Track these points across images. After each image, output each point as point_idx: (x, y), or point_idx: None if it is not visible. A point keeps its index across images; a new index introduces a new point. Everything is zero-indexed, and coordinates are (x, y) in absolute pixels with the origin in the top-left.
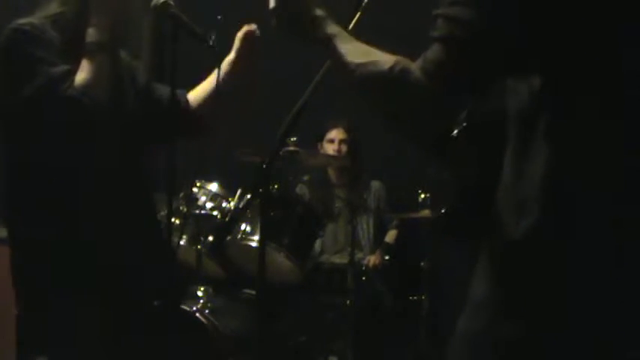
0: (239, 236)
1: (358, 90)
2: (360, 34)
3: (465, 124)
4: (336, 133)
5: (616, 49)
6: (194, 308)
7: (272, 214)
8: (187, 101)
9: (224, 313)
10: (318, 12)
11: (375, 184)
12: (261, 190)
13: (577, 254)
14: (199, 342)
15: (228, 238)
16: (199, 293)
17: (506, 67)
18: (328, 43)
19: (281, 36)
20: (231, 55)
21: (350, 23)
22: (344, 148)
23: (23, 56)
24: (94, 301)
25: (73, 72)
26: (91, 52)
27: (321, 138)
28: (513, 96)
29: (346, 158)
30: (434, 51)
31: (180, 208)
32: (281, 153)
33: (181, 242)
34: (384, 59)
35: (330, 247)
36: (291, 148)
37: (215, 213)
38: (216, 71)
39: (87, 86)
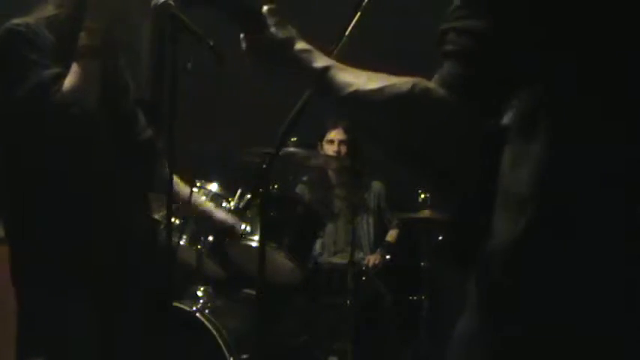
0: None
1: (376, 117)
2: (361, 34)
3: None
4: (335, 134)
5: (620, 50)
6: (194, 308)
7: (272, 214)
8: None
9: (224, 313)
10: (301, 45)
11: (376, 184)
12: (261, 190)
13: (577, 254)
14: (199, 342)
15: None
16: (199, 293)
17: (519, 72)
18: (321, 77)
19: (263, 73)
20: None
21: (350, 24)
22: (343, 148)
23: (16, 58)
24: (91, 300)
25: (64, 75)
26: (82, 56)
27: (321, 138)
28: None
29: (346, 159)
30: (451, 66)
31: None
32: (281, 153)
33: (181, 242)
34: (400, 81)
35: (330, 247)
36: (291, 148)
37: None
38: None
39: (74, 90)
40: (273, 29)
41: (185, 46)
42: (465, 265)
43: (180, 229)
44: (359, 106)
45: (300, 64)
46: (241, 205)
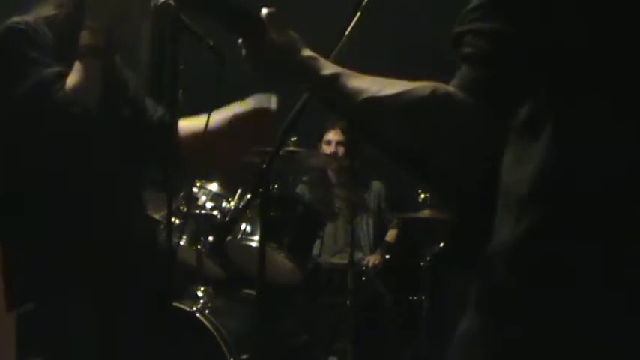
0: (239, 236)
1: (395, 122)
2: (361, 34)
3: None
4: (332, 135)
5: (627, 49)
6: (194, 308)
7: (272, 214)
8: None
9: (224, 313)
10: (306, 52)
11: (376, 184)
12: (261, 190)
13: (577, 255)
14: (199, 342)
15: (229, 238)
16: (199, 293)
17: (532, 72)
18: (331, 84)
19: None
20: (228, 118)
21: (350, 24)
22: (341, 150)
23: (16, 56)
24: (91, 301)
25: (66, 74)
26: (83, 55)
27: (319, 139)
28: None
29: (345, 159)
30: (469, 69)
31: (180, 208)
32: (281, 153)
33: (181, 242)
34: (419, 85)
35: (330, 248)
36: (291, 148)
37: (215, 213)
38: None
39: (77, 89)
40: (273, 35)
41: (185, 46)
42: (466, 268)
43: (180, 229)
44: (376, 112)
45: (307, 71)
46: (241, 205)
